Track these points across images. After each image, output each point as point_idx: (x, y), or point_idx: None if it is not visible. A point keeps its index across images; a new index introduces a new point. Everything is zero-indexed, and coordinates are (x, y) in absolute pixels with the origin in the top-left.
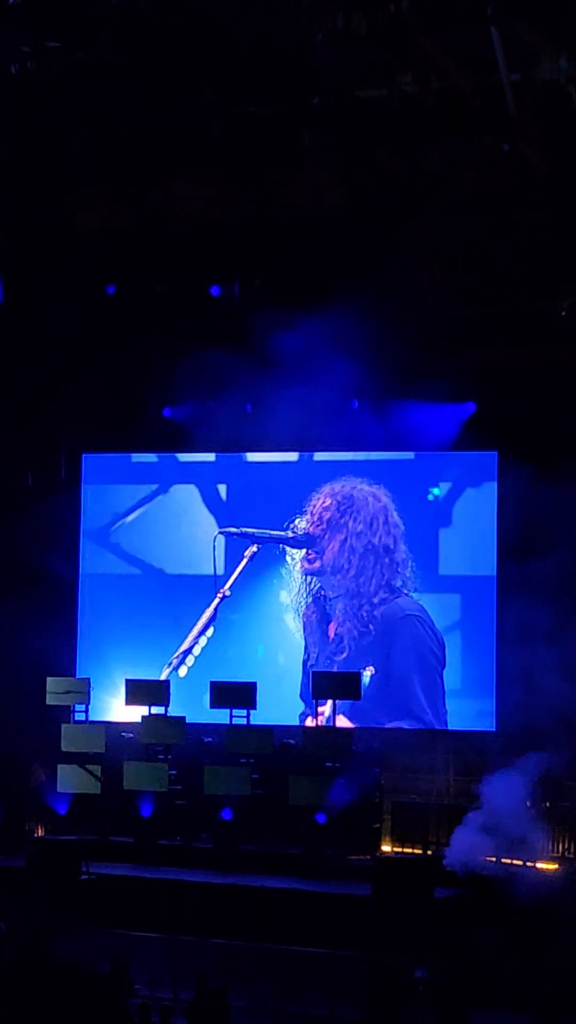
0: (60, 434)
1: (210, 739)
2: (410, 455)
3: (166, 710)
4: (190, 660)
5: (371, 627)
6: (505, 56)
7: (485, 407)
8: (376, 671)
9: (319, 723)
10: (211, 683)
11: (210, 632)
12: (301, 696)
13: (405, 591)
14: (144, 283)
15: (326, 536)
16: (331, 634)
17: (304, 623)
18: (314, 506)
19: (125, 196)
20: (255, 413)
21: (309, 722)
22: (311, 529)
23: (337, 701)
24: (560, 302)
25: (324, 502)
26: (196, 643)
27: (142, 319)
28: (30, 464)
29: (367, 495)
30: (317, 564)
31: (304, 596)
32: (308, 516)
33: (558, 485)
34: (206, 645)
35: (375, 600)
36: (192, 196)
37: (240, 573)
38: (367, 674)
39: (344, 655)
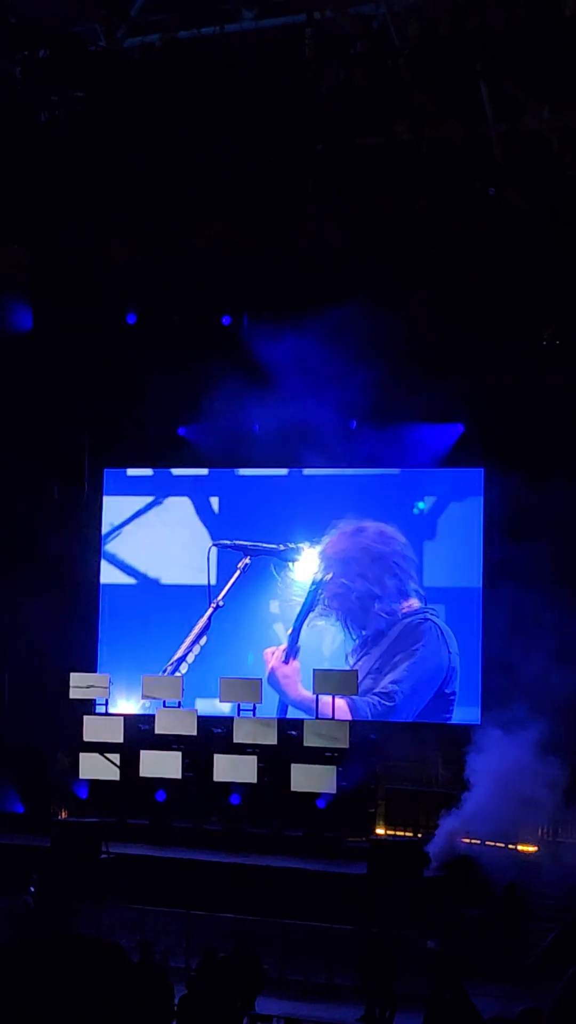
0: (84, 451)
1: (219, 730)
2: (397, 471)
3: (179, 704)
4: (184, 667)
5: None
6: (493, 108)
7: (473, 427)
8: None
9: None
10: (221, 679)
11: (204, 640)
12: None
13: (412, 595)
14: (162, 313)
15: (335, 540)
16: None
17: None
18: (328, 540)
19: (145, 234)
20: (262, 433)
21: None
22: (323, 563)
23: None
24: (542, 331)
25: (335, 540)
26: (190, 651)
27: (160, 346)
28: (56, 479)
29: (378, 526)
30: (322, 566)
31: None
32: (320, 549)
33: (542, 501)
34: (199, 653)
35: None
36: (206, 234)
37: (233, 584)
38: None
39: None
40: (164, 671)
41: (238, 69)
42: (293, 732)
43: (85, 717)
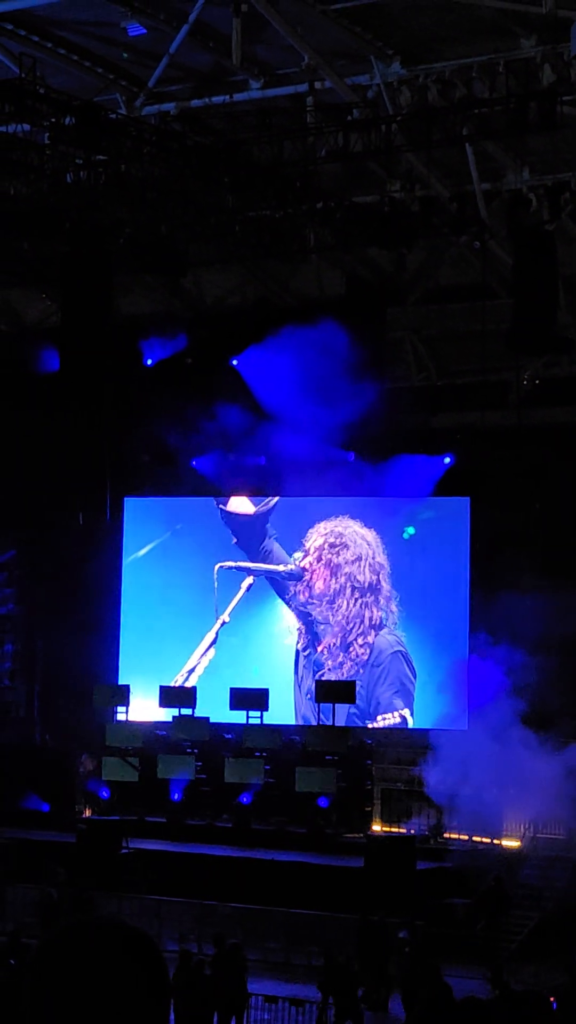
0: (106, 481)
1: (230, 736)
2: (392, 499)
3: (193, 711)
4: (194, 678)
5: (356, 656)
6: (477, 169)
7: (461, 460)
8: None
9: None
10: (231, 689)
11: (211, 653)
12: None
13: (387, 625)
14: (177, 356)
15: (318, 570)
16: (318, 654)
17: (298, 647)
18: (310, 540)
19: (161, 285)
20: (268, 464)
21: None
22: (307, 563)
23: None
24: (522, 374)
25: (318, 540)
26: (199, 663)
27: (174, 386)
28: (81, 507)
29: (357, 535)
30: (307, 595)
31: (297, 622)
32: (304, 550)
33: (522, 526)
34: (208, 665)
35: (359, 639)
36: (216, 285)
37: (238, 602)
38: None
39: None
40: (175, 681)
41: (245, 134)
42: (297, 738)
43: (107, 724)
